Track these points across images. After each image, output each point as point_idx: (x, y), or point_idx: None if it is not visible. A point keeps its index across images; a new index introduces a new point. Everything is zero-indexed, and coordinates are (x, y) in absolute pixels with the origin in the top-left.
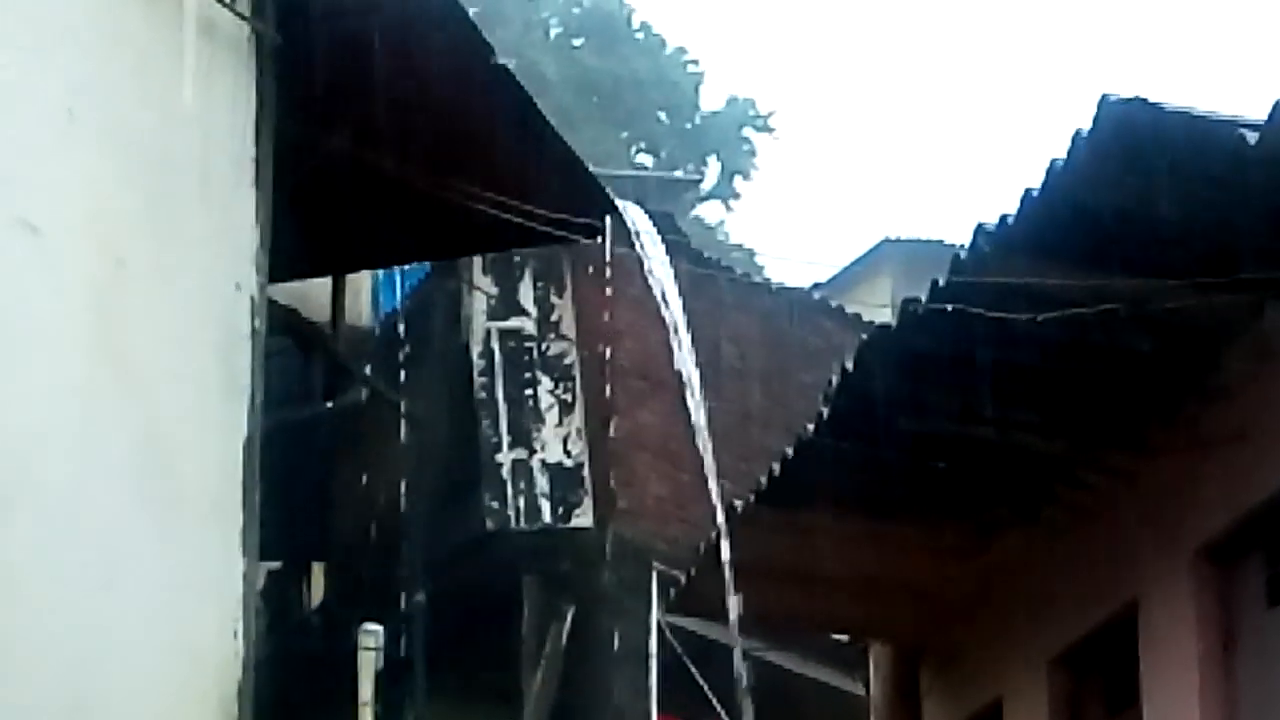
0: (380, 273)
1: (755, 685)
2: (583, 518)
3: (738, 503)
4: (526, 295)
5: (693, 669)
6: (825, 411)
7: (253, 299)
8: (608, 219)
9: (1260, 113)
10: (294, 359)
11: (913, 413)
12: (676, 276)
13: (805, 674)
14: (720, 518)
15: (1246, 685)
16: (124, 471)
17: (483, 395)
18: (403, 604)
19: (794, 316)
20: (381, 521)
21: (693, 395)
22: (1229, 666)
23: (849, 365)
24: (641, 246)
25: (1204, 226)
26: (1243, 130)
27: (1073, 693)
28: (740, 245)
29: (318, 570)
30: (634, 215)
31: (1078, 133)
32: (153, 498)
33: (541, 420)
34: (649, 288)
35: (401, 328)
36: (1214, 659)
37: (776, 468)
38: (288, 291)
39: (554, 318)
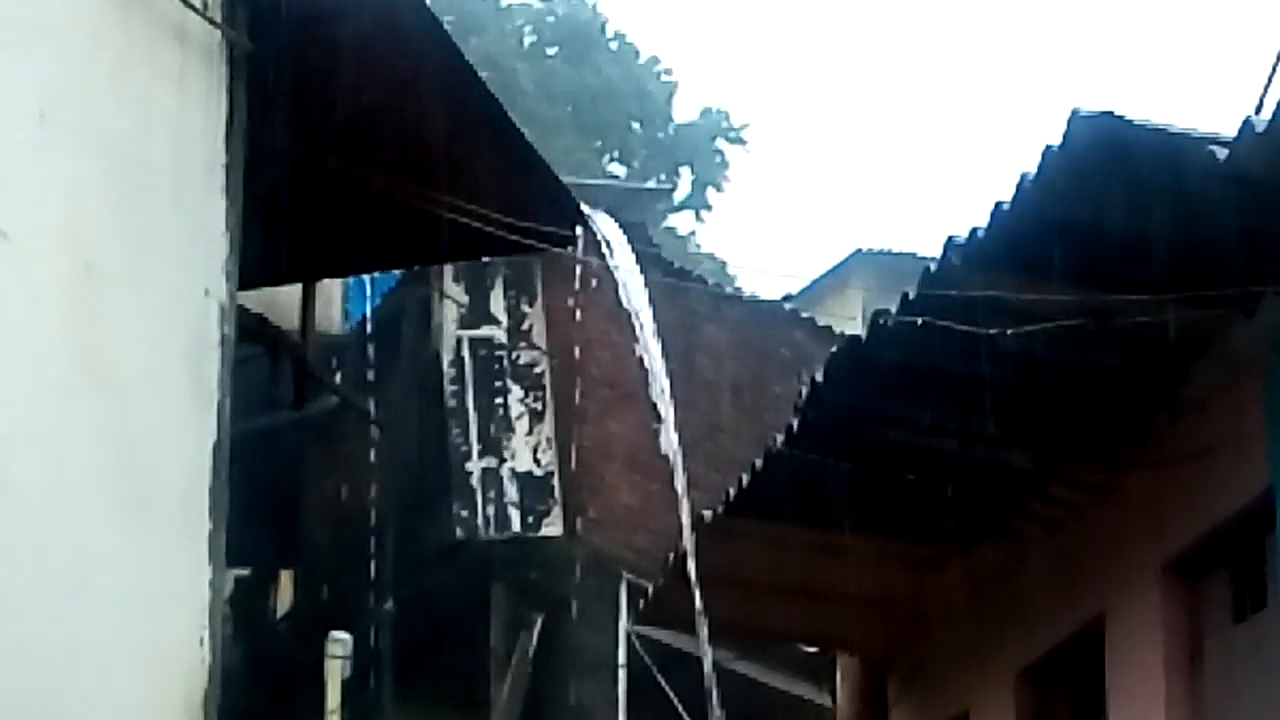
0: (351, 280)
1: (723, 696)
2: (552, 527)
3: (707, 513)
4: (497, 304)
5: (660, 679)
6: (795, 423)
7: (222, 305)
8: (578, 229)
9: (1230, 129)
10: (263, 366)
11: (882, 425)
12: (648, 287)
13: (773, 685)
14: (689, 528)
15: (1212, 699)
16: (94, 476)
17: (453, 403)
18: (371, 612)
19: (765, 327)
20: (350, 529)
21: (663, 405)
22: (1195, 680)
23: (819, 377)
24: (612, 257)
25: (1173, 242)
26: (1212, 147)
27: (1040, 706)
28: (712, 256)
29: (286, 577)
30: (605, 225)
31: (1048, 147)
32: (122, 503)
33: (511, 429)
34: (620, 297)
35: (372, 335)
36: (1180, 673)
37: (746, 479)
38: (257, 298)
39: (525, 326)
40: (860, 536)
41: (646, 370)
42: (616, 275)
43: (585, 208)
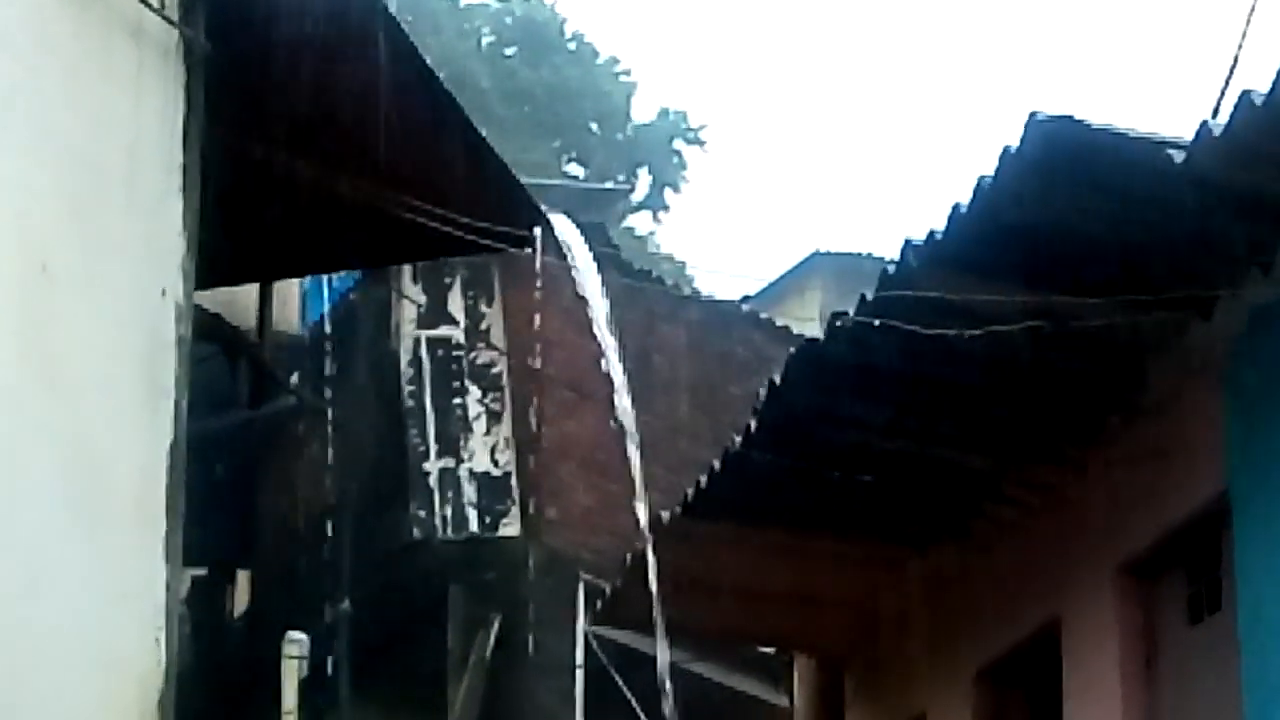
0: (308, 280)
1: (680, 696)
2: (510, 527)
3: (665, 514)
4: (456, 304)
5: (618, 679)
6: (753, 424)
7: (178, 305)
8: (537, 229)
9: (1187, 133)
10: (220, 366)
11: (840, 426)
12: (606, 287)
13: (730, 685)
14: (647, 529)
15: (1168, 700)
16: (49, 476)
17: (411, 403)
18: (328, 612)
19: (723, 328)
20: (308, 529)
21: (621, 406)
22: (1151, 682)
23: (776, 378)
24: (570, 258)
25: (1129, 245)
26: (1169, 150)
27: (997, 707)
28: (670, 256)
29: (243, 577)
30: (563, 226)
31: (1006, 150)
32: (77, 503)
33: (469, 429)
34: (578, 298)
35: (329, 335)
36: (1136, 674)
37: (704, 480)
38: (215, 298)
39: (483, 327)
40: (818, 538)
41: (605, 371)
42: (575, 275)
43: (544, 208)
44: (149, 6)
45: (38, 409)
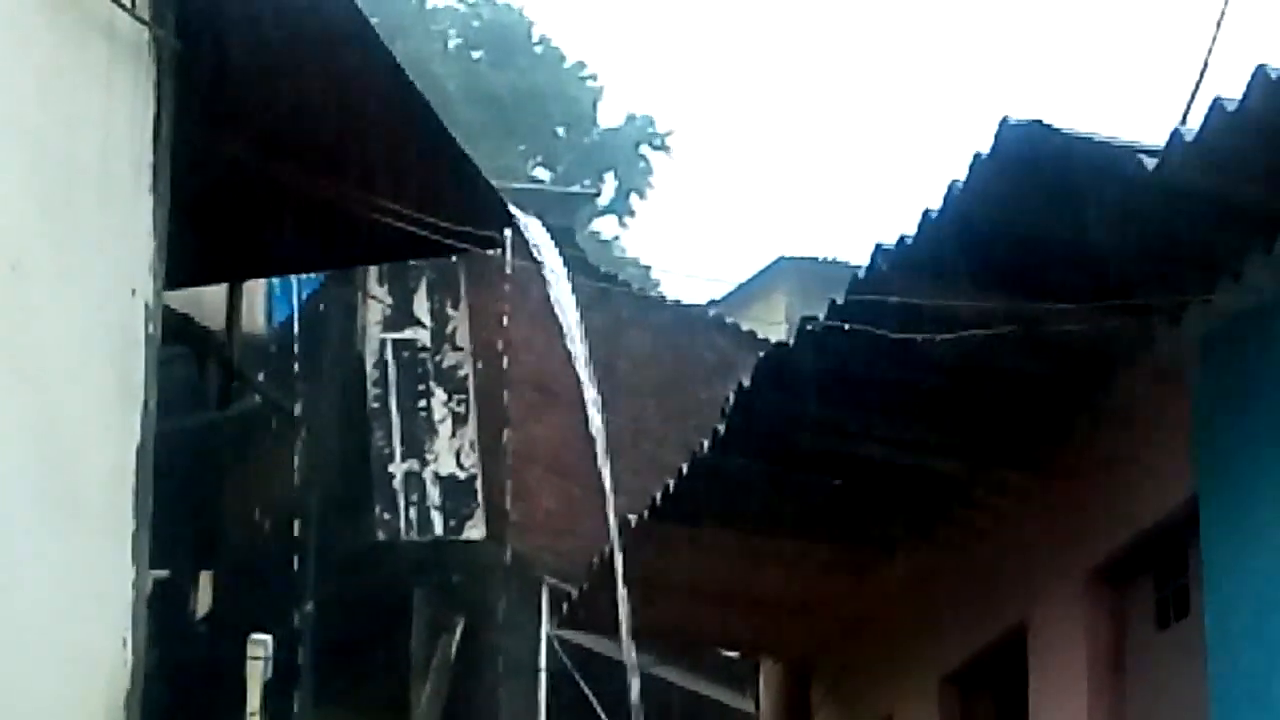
0: (276, 281)
1: (645, 700)
2: (474, 530)
3: (632, 518)
4: (421, 306)
5: (582, 683)
6: (721, 428)
7: (147, 305)
8: (507, 231)
9: (1159, 139)
10: (188, 366)
11: (809, 431)
12: (574, 291)
13: (696, 690)
14: (614, 532)
15: (1134, 706)
16: (17, 475)
17: (376, 405)
18: (292, 613)
19: (689, 332)
20: (272, 530)
21: (589, 409)
22: (1117, 687)
23: (745, 382)
24: (540, 260)
25: (1100, 251)
26: (1141, 156)
27: (964, 711)
28: (636, 261)
29: (205, 578)
30: (532, 228)
31: (977, 154)
32: (45, 502)
33: (435, 432)
34: (544, 300)
35: (296, 336)
36: (1103, 679)
37: (671, 484)
38: (183, 298)
39: (449, 329)
40: (785, 541)
41: (571, 374)
42: (546, 277)
43: (515, 210)
44: (120, 5)
45: (6, 406)
